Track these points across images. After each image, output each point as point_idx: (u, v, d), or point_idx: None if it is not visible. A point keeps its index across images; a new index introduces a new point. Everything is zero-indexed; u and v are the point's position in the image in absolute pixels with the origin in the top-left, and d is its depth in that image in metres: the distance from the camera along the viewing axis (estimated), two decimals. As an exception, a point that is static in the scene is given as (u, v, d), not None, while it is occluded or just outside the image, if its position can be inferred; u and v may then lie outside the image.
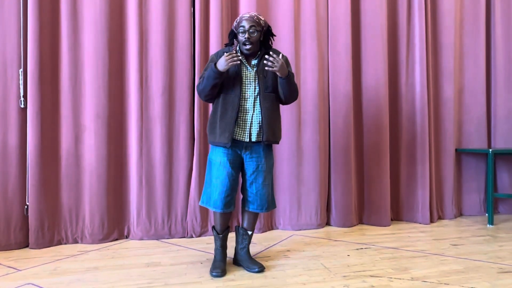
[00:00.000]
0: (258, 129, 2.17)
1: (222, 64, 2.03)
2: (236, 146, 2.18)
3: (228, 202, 2.16)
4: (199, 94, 2.18)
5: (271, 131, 2.18)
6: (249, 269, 2.21)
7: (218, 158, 2.17)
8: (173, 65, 2.99)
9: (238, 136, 2.16)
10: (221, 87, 2.17)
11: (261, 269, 2.19)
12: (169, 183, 2.97)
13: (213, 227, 2.30)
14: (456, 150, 3.69)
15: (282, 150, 3.21)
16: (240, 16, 2.16)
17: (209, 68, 2.08)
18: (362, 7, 3.40)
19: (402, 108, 3.48)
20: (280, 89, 2.18)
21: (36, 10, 2.66)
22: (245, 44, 2.13)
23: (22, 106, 2.71)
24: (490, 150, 3.34)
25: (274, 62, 2.03)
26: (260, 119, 2.16)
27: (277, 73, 2.08)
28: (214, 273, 2.14)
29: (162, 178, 2.95)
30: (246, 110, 2.16)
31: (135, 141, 2.92)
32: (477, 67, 3.77)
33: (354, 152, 3.42)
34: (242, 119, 2.16)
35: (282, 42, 3.20)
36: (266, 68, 2.06)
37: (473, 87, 3.77)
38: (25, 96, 2.72)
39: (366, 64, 3.38)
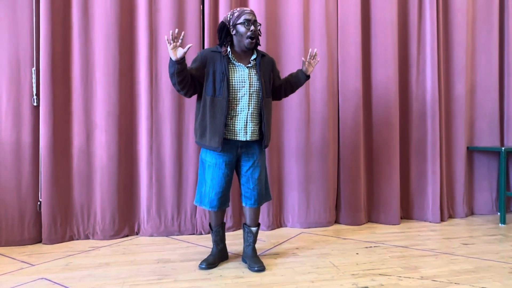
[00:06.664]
0: (253, 128, 2.18)
1: (170, 53, 1.94)
2: (231, 148, 2.19)
3: (224, 200, 2.24)
4: (178, 91, 2.11)
5: (269, 131, 2.25)
6: (250, 267, 2.22)
7: (213, 160, 2.18)
8: (182, 63, 3.00)
9: (234, 136, 2.16)
10: (207, 88, 2.11)
11: (261, 268, 2.18)
12: (178, 180, 3.00)
13: (209, 223, 2.38)
14: (467, 148, 3.65)
15: (291, 148, 3.20)
16: (238, 9, 2.14)
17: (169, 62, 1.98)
18: (372, 4, 3.36)
19: (413, 105, 3.44)
20: (292, 85, 2.36)
21: (48, 10, 2.70)
22: (251, 38, 2.11)
23: (35, 104, 2.75)
24: (503, 148, 3.28)
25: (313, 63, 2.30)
26: (255, 119, 2.19)
27: (307, 71, 2.30)
28: (200, 265, 2.23)
29: (171, 175, 2.97)
30: (241, 109, 2.15)
31: (145, 138, 2.94)
32: (489, 64, 3.71)
33: (364, 149, 3.40)
34: (238, 118, 2.15)
35: (291, 40, 3.18)
36: (306, 67, 2.29)
37: (485, 84, 3.71)
38: (37, 94, 2.76)
39: (376, 61, 3.35)
